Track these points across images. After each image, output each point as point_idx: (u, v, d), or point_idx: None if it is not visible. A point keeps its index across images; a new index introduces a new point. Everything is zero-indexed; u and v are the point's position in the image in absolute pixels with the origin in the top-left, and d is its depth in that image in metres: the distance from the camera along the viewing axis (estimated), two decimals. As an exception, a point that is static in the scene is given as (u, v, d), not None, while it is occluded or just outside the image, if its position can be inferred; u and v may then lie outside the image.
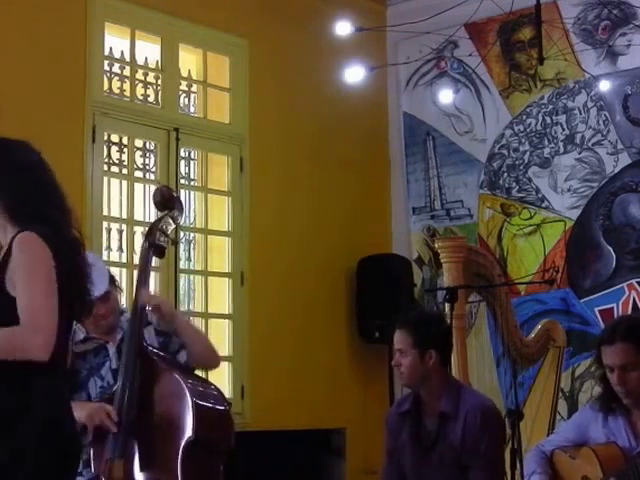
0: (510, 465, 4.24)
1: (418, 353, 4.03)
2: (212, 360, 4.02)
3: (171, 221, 3.82)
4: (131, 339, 3.64)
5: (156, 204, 3.91)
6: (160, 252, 3.85)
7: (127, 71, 6.08)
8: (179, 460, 3.38)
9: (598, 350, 3.83)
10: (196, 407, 3.45)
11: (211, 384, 3.71)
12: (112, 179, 6.02)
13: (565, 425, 4.38)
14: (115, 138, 6.04)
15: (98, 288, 3.66)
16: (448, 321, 4.72)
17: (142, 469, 3.44)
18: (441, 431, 4.01)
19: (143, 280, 3.77)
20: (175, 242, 3.95)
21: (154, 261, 4.13)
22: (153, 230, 3.79)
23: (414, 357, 4.03)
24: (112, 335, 3.94)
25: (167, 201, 3.86)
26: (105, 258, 5.80)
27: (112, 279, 4.00)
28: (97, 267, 3.76)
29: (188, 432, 3.40)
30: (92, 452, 3.62)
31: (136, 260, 5.87)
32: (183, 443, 3.38)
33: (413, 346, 4.03)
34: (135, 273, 5.74)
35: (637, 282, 6.29)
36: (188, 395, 3.45)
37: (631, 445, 3.73)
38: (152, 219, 6.02)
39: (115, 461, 3.43)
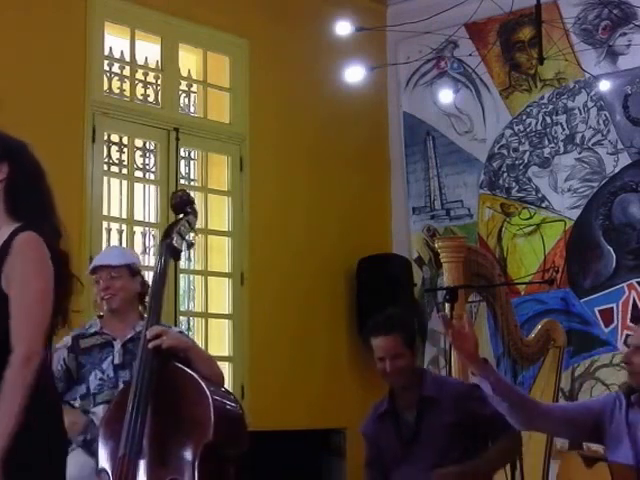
0: (510, 465, 4.24)
1: (410, 352, 3.99)
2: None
3: (188, 225, 3.80)
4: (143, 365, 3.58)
5: (173, 207, 3.88)
6: (177, 254, 3.83)
7: (127, 71, 6.08)
8: (197, 461, 3.32)
9: None
10: (216, 409, 3.38)
11: (222, 386, 3.68)
12: (112, 179, 6.03)
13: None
14: (115, 138, 6.04)
15: (103, 258, 4.11)
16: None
17: (157, 467, 3.37)
18: (423, 418, 3.93)
19: (159, 285, 3.70)
20: (191, 244, 3.91)
21: (154, 262, 4.13)
22: (170, 232, 3.74)
23: (409, 356, 3.97)
24: (122, 331, 4.02)
25: (185, 205, 3.83)
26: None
27: (133, 271, 4.11)
28: (120, 248, 3.92)
29: (208, 434, 3.33)
30: (103, 448, 3.60)
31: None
32: (202, 445, 3.32)
33: (406, 346, 3.96)
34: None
35: (637, 282, 6.29)
36: (210, 397, 3.38)
37: None
38: (152, 219, 6.09)
39: (129, 458, 3.38)
